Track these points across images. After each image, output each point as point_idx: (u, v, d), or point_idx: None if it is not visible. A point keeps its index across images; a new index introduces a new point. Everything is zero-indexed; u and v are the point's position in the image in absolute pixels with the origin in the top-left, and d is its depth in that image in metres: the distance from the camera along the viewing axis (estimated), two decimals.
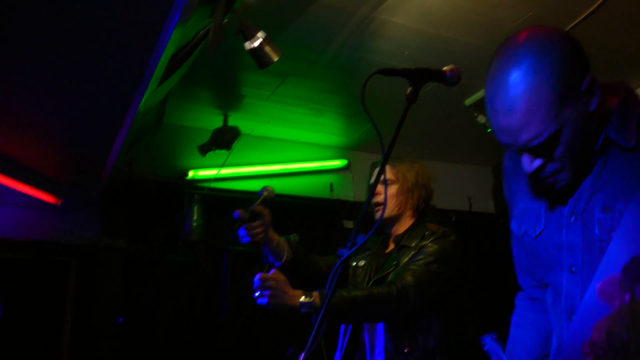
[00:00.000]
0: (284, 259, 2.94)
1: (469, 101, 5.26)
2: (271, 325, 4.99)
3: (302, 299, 2.49)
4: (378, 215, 2.99)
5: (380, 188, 2.97)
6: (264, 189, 2.90)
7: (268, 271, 2.52)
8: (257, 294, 2.48)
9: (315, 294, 2.51)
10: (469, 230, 6.62)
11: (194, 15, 2.95)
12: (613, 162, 1.71)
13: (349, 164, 6.10)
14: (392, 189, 3.00)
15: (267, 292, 2.45)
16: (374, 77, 1.96)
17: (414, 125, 5.58)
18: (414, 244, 2.85)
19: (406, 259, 2.80)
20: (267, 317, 5.00)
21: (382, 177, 2.88)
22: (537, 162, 1.68)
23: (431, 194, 3.15)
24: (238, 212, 2.75)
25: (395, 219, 3.04)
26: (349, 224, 5.91)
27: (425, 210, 3.08)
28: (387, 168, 3.00)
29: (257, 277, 2.49)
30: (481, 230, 6.80)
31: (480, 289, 5.91)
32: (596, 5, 3.87)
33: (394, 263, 2.85)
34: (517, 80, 1.59)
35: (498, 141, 1.74)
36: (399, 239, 2.98)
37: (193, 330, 5.08)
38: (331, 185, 5.95)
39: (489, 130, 5.25)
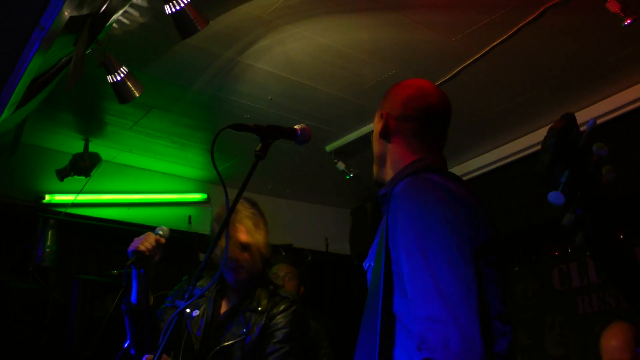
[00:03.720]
0: (150, 303, 2.75)
1: (329, 148, 5.49)
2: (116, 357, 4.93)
3: None
4: (238, 275, 2.82)
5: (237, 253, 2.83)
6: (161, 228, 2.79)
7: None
8: None
9: None
10: (324, 270, 6.81)
11: (56, 44, 2.96)
12: None
13: (208, 197, 6.14)
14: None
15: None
16: (242, 116, 2.05)
17: (276, 165, 5.74)
18: (260, 308, 2.75)
19: (256, 328, 2.71)
20: (112, 349, 4.92)
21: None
22: None
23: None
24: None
25: (236, 268, 2.84)
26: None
27: (264, 272, 2.98)
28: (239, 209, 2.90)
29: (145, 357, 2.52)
30: (337, 270, 6.99)
31: (334, 327, 6.06)
32: (455, 71, 4.21)
33: (244, 331, 2.71)
34: None
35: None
36: (242, 296, 2.83)
37: (39, 359, 4.93)
38: (190, 217, 5.97)
39: (348, 177, 5.50)
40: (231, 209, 2.07)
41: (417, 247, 1.66)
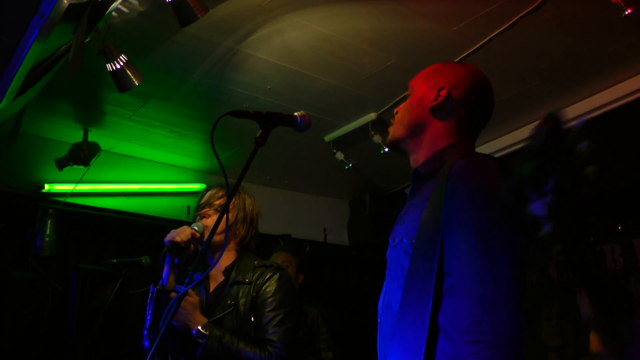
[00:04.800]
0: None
1: (328, 138, 5.49)
2: (115, 347, 4.94)
3: (200, 328, 2.66)
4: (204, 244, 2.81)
5: (212, 212, 2.96)
6: (196, 224, 2.91)
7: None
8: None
9: (215, 332, 2.66)
10: (323, 261, 6.83)
11: (55, 31, 2.96)
12: None
13: (207, 188, 6.11)
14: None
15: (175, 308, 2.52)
16: (241, 106, 2.07)
17: (275, 156, 5.75)
18: (247, 280, 2.83)
19: (244, 300, 2.79)
20: (112, 339, 4.94)
21: (216, 202, 2.98)
22: None
23: (256, 232, 3.08)
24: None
25: (219, 248, 2.90)
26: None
27: (249, 247, 3.02)
28: (222, 194, 3.00)
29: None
30: (335, 261, 7.01)
31: (333, 318, 6.08)
32: (456, 60, 4.18)
33: (231, 302, 2.80)
34: None
35: None
36: (227, 272, 2.90)
37: (38, 349, 4.94)
38: (188, 207, 5.98)
39: (347, 167, 5.51)
40: (231, 194, 2.09)
41: (476, 229, 1.68)
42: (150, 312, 2.78)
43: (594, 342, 3.41)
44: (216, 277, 2.94)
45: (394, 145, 2.14)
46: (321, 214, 7.07)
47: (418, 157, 2.05)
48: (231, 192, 2.11)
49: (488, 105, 2.10)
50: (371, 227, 6.55)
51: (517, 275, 1.63)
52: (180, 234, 2.78)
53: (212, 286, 2.92)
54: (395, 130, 2.12)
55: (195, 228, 2.86)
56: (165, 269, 2.78)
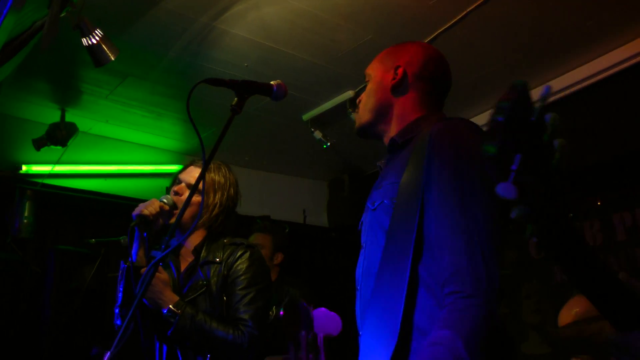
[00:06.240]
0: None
1: (306, 117, 5.49)
2: (94, 328, 4.93)
3: (171, 306, 2.58)
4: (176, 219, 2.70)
5: (185, 189, 2.89)
6: (165, 197, 2.84)
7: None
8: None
9: (187, 310, 2.61)
10: (302, 242, 6.85)
11: (30, 4, 2.95)
12: None
13: None
14: (198, 196, 2.77)
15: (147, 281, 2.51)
16: (217, 87, 2.09)
17: (253, 137, 5.75)
18: (218, 259, 2.79)
19: (216, 279, 2.75)
20: (90, 320, 4.92)
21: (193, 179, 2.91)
22: None
23: (232, 212, 2.99)
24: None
25: (188, 227, 2.83)
26: None
27: (219, 229, 2.93)
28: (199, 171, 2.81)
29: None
30: (314, 243, 7.04)
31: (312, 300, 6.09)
32: (433, 35, 4.21)
33: (203, 282, 2.76)
34: None
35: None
36: (197, 251, 2.85)
37: (15, 330, 4.92)
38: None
39: (325, 146, 5.52)
40: (206, 163, 2.10)
41: (454, 184, 1.70)
42: (121, 289, 2.71)
43: (564, 317, 3.45)
44: (185, 256, 2.90)
45: (364, 131, 2.18)
46: (300, 195, 7.10)
47: (391, 134, 2.09)
48: (203, 166, 2.10)
49: (446, 74, 2.16)
50: (350, 208, 6.59)
51: (497, 229, 1.66)
52: (149, 207, 2.70)
53: (183, 266, 2.88)
54: (362, 116, 2.17)
55: (165, 201, 2.79)
56: (135, 244, 2.73)
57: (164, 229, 2.80)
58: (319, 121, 5.52)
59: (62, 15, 3.39)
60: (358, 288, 1.98)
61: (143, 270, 2.61)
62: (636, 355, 1.47)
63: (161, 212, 2.75)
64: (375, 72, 2.17)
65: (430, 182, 1.74)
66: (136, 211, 2.71)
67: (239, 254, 2.80)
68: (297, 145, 6.15)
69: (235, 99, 2.11)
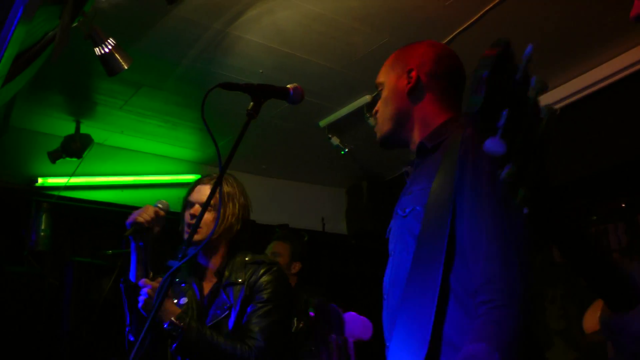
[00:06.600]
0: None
1: (323, 123, 5.44)
2: (113, 340, 4.90)
3: (173, 319, 2.45)
4: (196, 237, 2.64)
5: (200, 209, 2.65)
6: (160, 202, 2.74)
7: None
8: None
9: (192, 324, 2.50)
10: (321, 250, 6.78)
11: (41, 15, 2.91)
12: None
13: None
14: (214, 213, 2.71)
15: (144, 297, 2.45)
16: (233, 93, 2.05)
17: (269, 144, 5.72)
18: (240, 279, 2.69)
19: (240, 301, 2.65)
20: (109, 332, 4.90)
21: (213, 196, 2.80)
22: None
23: (247, 228, 2.87)
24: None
25: (211, 243, 2.75)
26: None
27: (237, 244, 2.84)
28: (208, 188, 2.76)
29: (142, 281, 2.49)
30: (333, 251, 6.96)
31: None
32: (450, 37, 4.15)
33: (227, 306, 2.67)
34: None
35: None
36: (219, 273, 2.75)
37: (35, 344, 4.90)
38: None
39: (343, 152, 5.47)
40: (222, 171, 2.05)
41: (486, 190, 1.65)
42: (126, 308, 2.64)
43: (588, 322, 3.36)
44: (208, 278, 2.79)
45: (386, 141, 2.11)
46: (319, 203, 7.03)
47: (416, 139, 2.02)
48: (220, 172, 2.05)
49: (459, 69, 2.10)
50: (369, 215, 6.52)
51: (527, 235, 1.61)
52: (143, 214, 2.60)
53: (206, 288, 2.77)
54: (382, 127, 2.10)
55: (160, 206, 2.69)
56: (132, 257, 2.65)
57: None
58: (336, 127, 5.46)
59: (74, 25, 3.36)
60: (385, 297, 1.93)
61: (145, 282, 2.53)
62: (630, 336, 1.43)
63: (157, 218, 2.64)
64: (388, 79, 2.11)
65: (464, 188, 1.69)
66: (130, 219, 2.60)
67: (261, 272, 2.71)
68: (314, 152, 6.09)
69: (251, 103, 2.07)
